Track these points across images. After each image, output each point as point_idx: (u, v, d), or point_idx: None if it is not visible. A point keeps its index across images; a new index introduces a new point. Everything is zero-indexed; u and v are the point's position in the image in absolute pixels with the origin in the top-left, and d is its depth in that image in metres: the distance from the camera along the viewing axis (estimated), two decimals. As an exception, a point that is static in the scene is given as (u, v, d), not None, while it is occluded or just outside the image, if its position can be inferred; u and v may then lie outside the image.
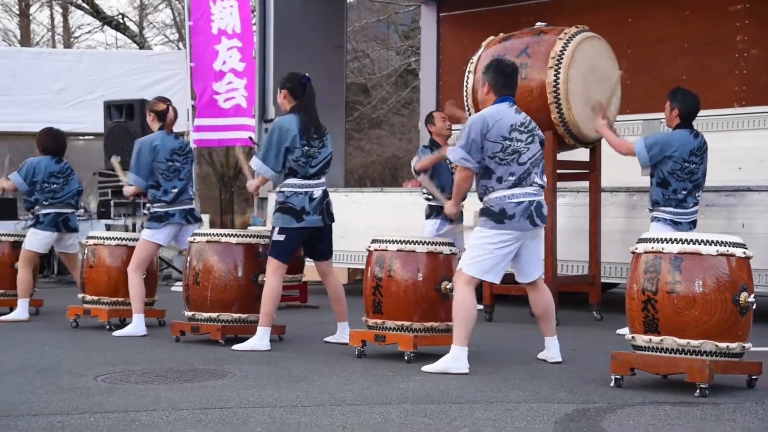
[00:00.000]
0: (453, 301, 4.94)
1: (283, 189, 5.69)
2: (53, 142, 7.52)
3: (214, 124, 11.40)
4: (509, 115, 4.97)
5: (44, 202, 7.30)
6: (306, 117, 5.66)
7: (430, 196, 7.29)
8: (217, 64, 11.48)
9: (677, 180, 6.24)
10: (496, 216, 4.91)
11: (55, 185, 7.32)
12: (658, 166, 6.26)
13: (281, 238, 5.66)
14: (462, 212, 7.15)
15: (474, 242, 4.97)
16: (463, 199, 7.12)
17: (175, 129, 6.87)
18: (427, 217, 7.52)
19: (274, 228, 5.71)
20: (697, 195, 6.33)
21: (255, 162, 5.72)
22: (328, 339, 5.99)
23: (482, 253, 4.90)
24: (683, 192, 6.25)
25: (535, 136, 5.02)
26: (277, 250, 5.69)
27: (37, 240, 7.27)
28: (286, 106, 5.74)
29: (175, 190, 6.41)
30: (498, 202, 4.92)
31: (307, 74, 5.75)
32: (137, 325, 6.35)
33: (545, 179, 5.09)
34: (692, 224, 6.32)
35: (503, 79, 5.04)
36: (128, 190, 6.57)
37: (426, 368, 4.86)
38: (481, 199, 5.03)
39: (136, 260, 6.41)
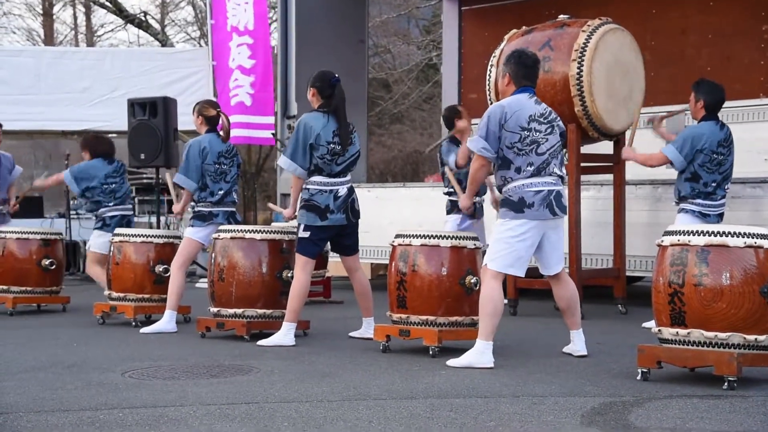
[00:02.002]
0: (480, 295, 4.93)
1: (308, 186, 5.70)
2: (107, 145, 7.80)
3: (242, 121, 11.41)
4: (529, 105, 4.96)
5: (108, 204, 7.50)
6: (336, 118, 5.66)
7: (451, 191, 7.27)
8: (230, 62, 11.52)
9: (707, 172, 6.20)
10: (515, 205, 4.90)
11: (114, 184, 7.55)
12: (690, 162, 6.22)
13: (306, 235, 5.68)
14: (482, 207, 7.16)
15: (496, 236, 4.96)
16: (481, 195, 7.15)
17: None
18: (449, 212, 7.52)
19: (299, 225, 5.72)
20: (726, 187, 6.29)
21: (283, 160, 5.72)
22: (352, 334, 6.00)
23: (505, 247, 4.89)
24: (713, 184, 6.21)
25: (555, 126, 5.00)
26: (303, 246, 5.70)
27: (104, 242, 7.36)
28: (315, 104, 5.76)
29: (221, 192, 6.44)
30: (517, 191, 4.90)
31: (336, 75, 5.75)
32: (168, 322, 6.37)
33: (564, 170, 5.08)
34: (719, 217, 6.28)
35: (524, 71, 5.03)
36: (176, 209, 6.56)
37: (451, 362, 4.86)
38: (499, 190, 5.02)
39: (180, 258, 6.47)
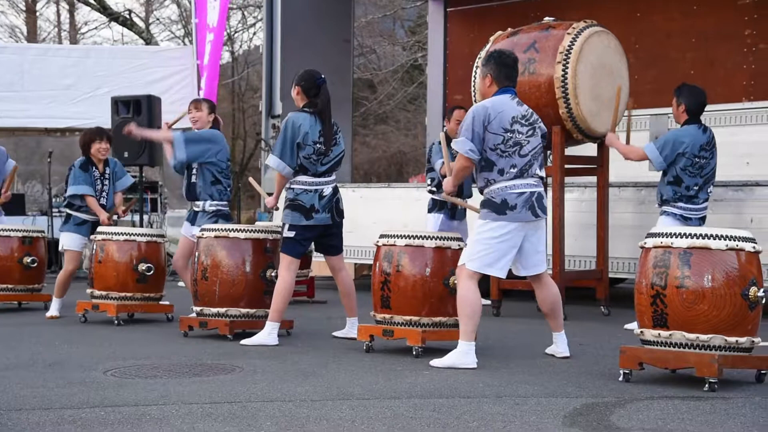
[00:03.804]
0: (457, 296, 4.93)
1: (293, 186, 5.69)
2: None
3: None
4: (511, 107, 4.96)
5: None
6: (321, 118, 5.66)
7: (435, 189, 7.28)
8: (204, 60, 11.49)
9: (689, 176, 6.24)
10: (497, 207, 4.89)
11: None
12: (671, 165, 6.26)
13: (291, 234, 5.67)
14: (464, 209, 7.17)
15: (475, 236, 4.94)
16: (464, 194, 7.16)
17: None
18: (430, 210, 7.54)
19: (284, 225, 5.71)
20: (708, 190, 6.33)
21: (272, 160, 5.70)
22: (336, 334, 6.00)
23: (484, 248, 4.88)
24: (695, 188, 6.25)
25: (537, 128, 5.00)
26: (287, 246, 5.70)
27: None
28: (299, 103, 5.74)
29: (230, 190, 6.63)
30: (499, 193, 4.90)
31: (323, 75, 5.74)
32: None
33: (544, 172, 5.08)
34: (701, 220, 6.32)
35: (505, 71, 5.02)
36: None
37: (434, 362, 4.86)
38: (481, 192, 5.02)
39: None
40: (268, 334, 5.64)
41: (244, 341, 5.64)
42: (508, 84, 5.03)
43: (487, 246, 4.88)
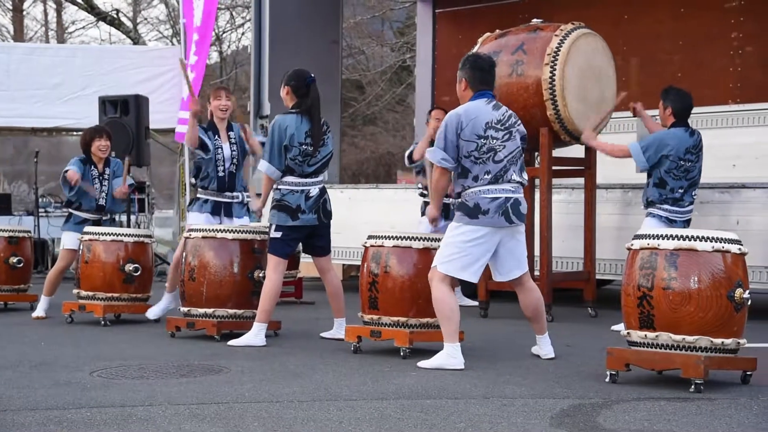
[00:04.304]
0: (432, 299, 4.93)
1: (279, 187, 5.69)
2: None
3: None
4: (485, 112, 4.93)
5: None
6: (309, 118, 5.64)
7: (426, 192, 7.31)
8: (190, 59, 11.41)
9: (674, 178, 6.26)
10: (470, 210, 4.88)
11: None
12: (655, 167, 6.28)
13: (278, 235, 5.66)
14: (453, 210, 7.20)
15: (447, 239, 4.93)
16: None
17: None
18: (423, 213, 7.55)
19: (271, 225, 5.71)
20: (693, 193, 6.36)
21: (263, 165, 5.66)
22: (324, 335, 5.99)
23: (456, 251, 4.87)
24: (680, 190, 6.28)
25: (514, 132, 4.97)
26: (274, 247, 5.69)
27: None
28: (288, 103, 5.72)
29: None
30: (473, 197, 4.89)
31: (312, 74, 5.73)
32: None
33: (525, 176, 5.04)
34: (686, 223, 6.34)
35: (480, 75, 5.01)
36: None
37: (421, 364, 4.86)
38: (458, 197, 5.01)
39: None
40: (255, 335, 5.63)
41: (231, 342, 5.63)
42: (484, 88, 5.00)
43: (459, 249, 4.87)
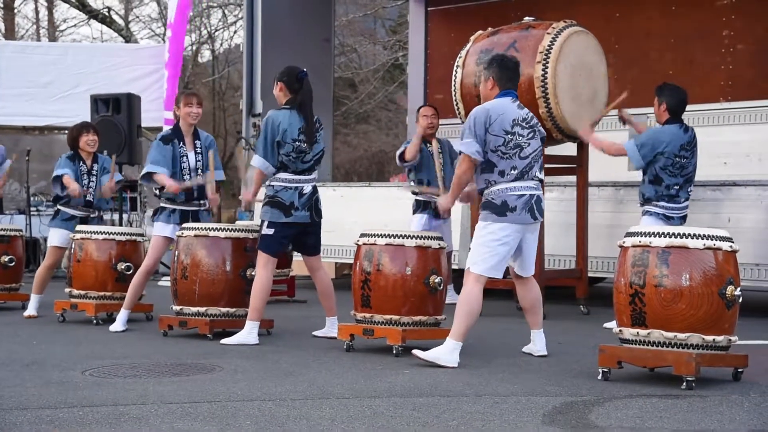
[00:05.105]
0: (460, 296, 4.95)
1: (273, 183, 5.67)
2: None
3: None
4: (512, 109, 5.00)
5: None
6: (302, 114, 5.63)
7: (417, 190, 7.31)
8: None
9: (669, 175, 6.27)
10: (498, 209, 4.92)
11: None
12: (651, 164, 6.29)
13: (270, 232, 5.65)
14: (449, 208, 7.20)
15: (478, 240, 4.96)
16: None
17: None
18: (414, 211, 7.55)
19: (263, 222, 5.70)
20: (689, 189, 6.37)
21: (257, 160, 5.64)
22: (316, 333, 5.99)
23: (488, 251, 4.91)
24: (675, 187, 6.29)
25: (537, 131, 5.05)
26: (265, 244, 5.68)
27: None
28: (282, 100, 5.71)
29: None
30: (500, 194, 4.93)
31: (305, 69, 5.71)
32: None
33: (543, 174, 5.12)
34: (683, 219, 6.36)
35: (507, 74, 5.08)
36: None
37: (417, 352, 4.85)
38: (481, 193, 5.03)
39: None
40: (248, 333, 5.63)
41: (224, 341, 5.63)
42: (510, 87, 5.07)
43: (490, 249, 4.91)
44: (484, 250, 4.91)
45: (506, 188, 4.92)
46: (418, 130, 7.47)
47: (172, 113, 6.53)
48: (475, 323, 4.91)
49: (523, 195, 4.93)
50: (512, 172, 4.93)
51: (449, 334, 4.89)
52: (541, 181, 5.06)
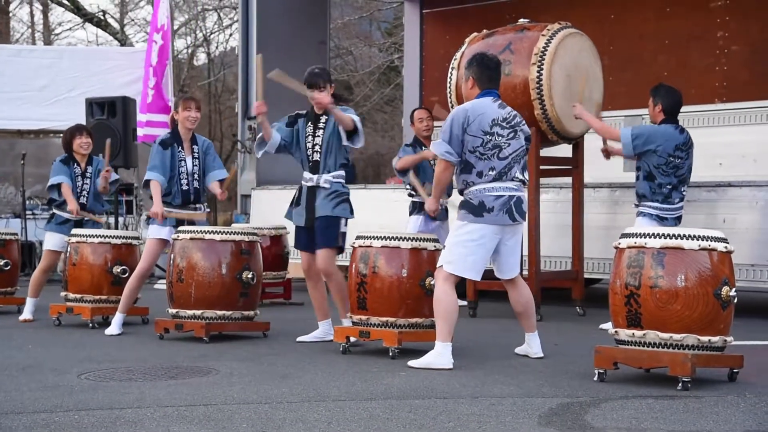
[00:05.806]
0: (434, 298, 4.94)
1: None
2: None
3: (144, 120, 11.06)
4: (492, 109, 4.97)
5: None
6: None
7: (414, 192, 7.31)
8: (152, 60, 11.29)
9: (662, 174, 6.28)
10: (474, 209, 4.91)
11: None
12: (644, 159, 6.30)
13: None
14: (446, 209, 7.20)
15: (454, 239, 4.95)
16: (449, 195, 7.18)
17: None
18: (410, 213, 7.55)
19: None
20: (682, 190, 6.38)
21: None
22: (301, 338, 5.92)
23: (463, 251, 4.89)
24: (668, 186, 6.30)
25: (519, 131, 5.01)
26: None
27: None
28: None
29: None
30: (477, 194, 4.92)
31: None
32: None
33: (527, 175, 5.09)
34: (677, 220, 6.37)
35: (488, 73, 5.05)
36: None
37: (411, 363, 4.86)
38: (461, 193, 5.04)
39: None
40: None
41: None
42: (491, 86, 5.05)
43: (465, 249, 4.89)
44: (461, 249, 4.89)
45: (484, 189, 4.90)
46: (422, 153, 7.22)
47: (170, 118, 6.54)
48: (456, 320, 4.88)
49: (501, 196, 4.90)
50: (490, 172, 4.91)
51: (436, 338, 4.88)
52: (523, 182, 5.02)
